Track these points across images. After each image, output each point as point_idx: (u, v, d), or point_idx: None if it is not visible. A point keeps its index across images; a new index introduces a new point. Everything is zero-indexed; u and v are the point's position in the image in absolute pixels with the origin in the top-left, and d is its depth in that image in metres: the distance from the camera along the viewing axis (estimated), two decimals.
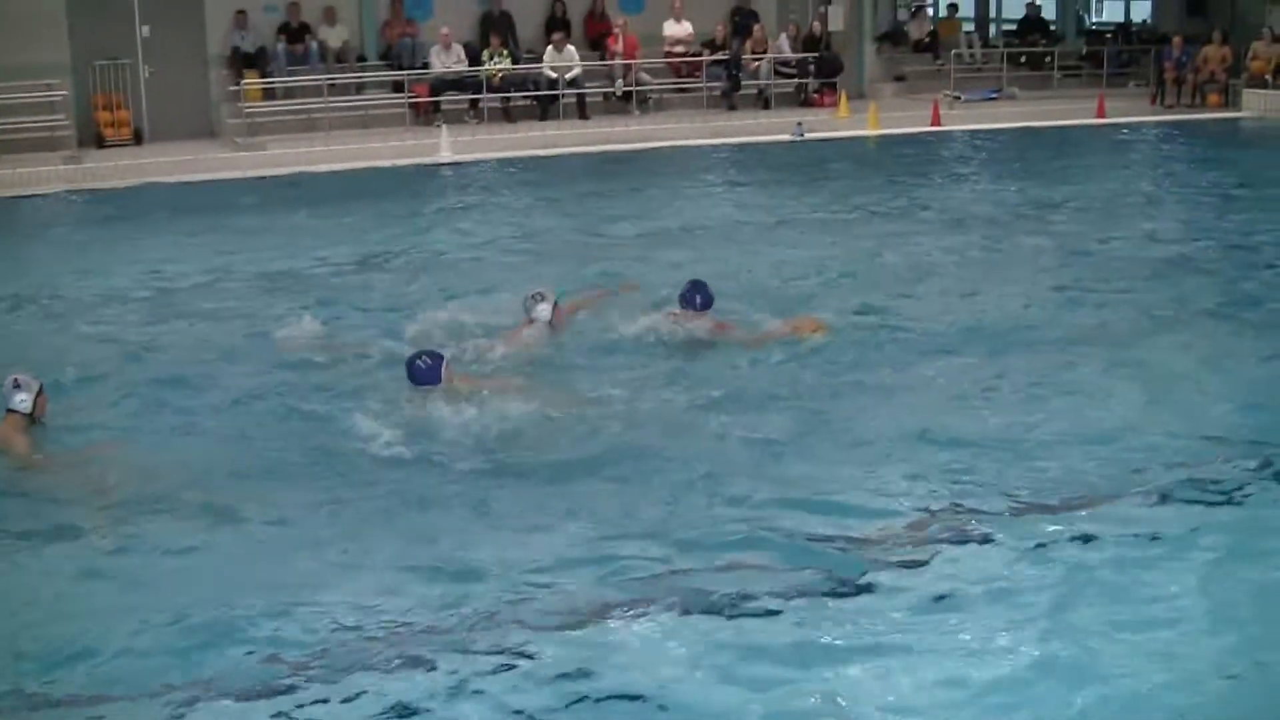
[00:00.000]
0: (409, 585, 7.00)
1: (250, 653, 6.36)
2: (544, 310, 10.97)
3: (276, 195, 20.01)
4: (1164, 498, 7.81)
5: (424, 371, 9.47)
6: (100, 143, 23.44)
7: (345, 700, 5.95)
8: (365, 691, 6.00)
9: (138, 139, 23.84)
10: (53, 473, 8.69)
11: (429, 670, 6.16)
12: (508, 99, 25.71)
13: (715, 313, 11.26)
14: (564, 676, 6.07)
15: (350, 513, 7.97)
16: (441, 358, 9.58)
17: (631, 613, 6.59)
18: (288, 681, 6.11)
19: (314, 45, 25.16)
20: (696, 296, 11.13)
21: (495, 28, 26.07)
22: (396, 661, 6.23)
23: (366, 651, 6.33)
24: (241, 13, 24.74)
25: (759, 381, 10.26)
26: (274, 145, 23.28)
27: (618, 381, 10.05)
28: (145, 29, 24.32)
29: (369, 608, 6.72)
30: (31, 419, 9.05)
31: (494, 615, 6.65)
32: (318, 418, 9.61)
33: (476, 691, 5.98)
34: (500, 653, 6.26)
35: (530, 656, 6.22)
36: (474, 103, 25.54)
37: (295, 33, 25.10)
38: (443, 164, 22.30)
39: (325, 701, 5.95)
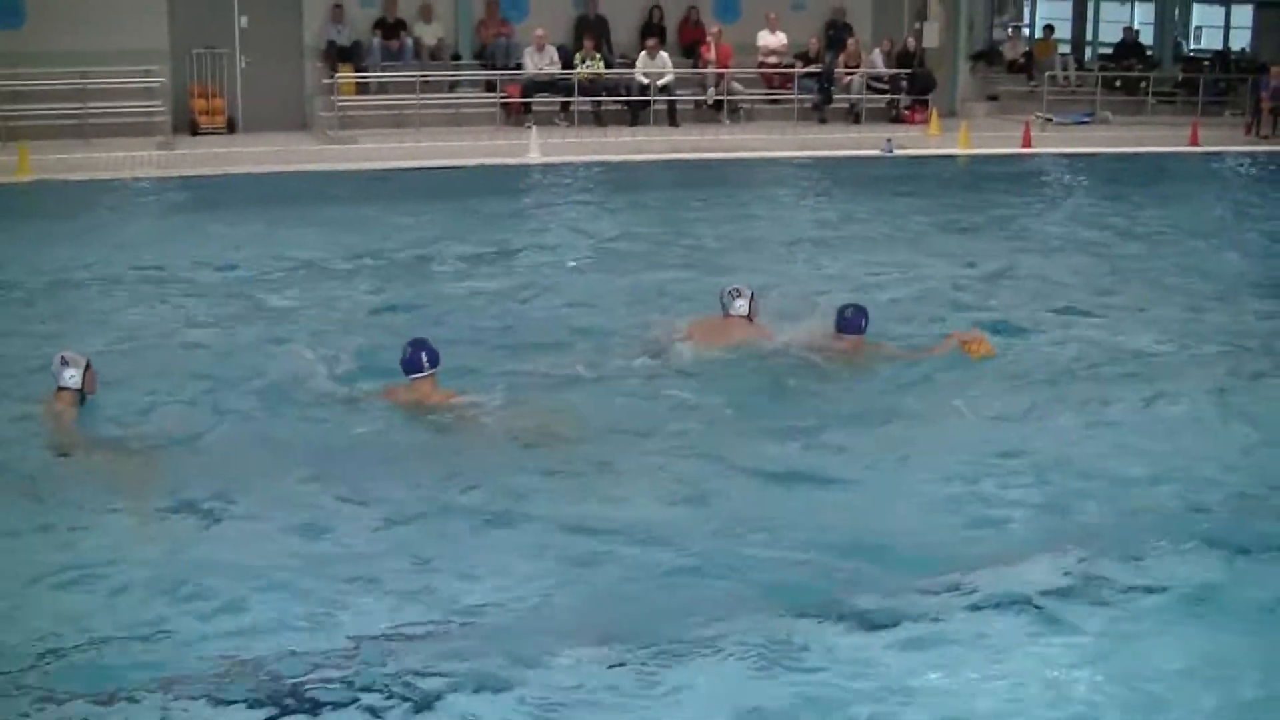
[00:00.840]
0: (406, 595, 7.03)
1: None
2: (741, 305, 10.97)
3: (366, 189, 20.13)
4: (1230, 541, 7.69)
5: (433, 354, 9.44)
6: (194, 130, 23.70)
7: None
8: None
9: (231, 128, 24.09)
10: (89, 457, 8.82)
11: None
12: (599, 103, 25.78)
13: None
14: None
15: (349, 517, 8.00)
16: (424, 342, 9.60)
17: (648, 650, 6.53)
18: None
19: (409, 41, 25.32)
20: (861, 320, 10.88)
21: (589, 31, 26.15)
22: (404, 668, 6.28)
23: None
24: (338, 6, 24.93)
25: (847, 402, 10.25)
26: (365, 139, 23.46)
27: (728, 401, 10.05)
28: (244, 19, 24.58)
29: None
30: (81, 395, 9.19)
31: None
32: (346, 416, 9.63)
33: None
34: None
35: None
36: (565, 105, 25.61)
37: (391, 28, 25.28)
38: (532, 165, 22.35)
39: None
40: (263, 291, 13.66)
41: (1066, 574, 7.22)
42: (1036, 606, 6.83)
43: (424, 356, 9.41)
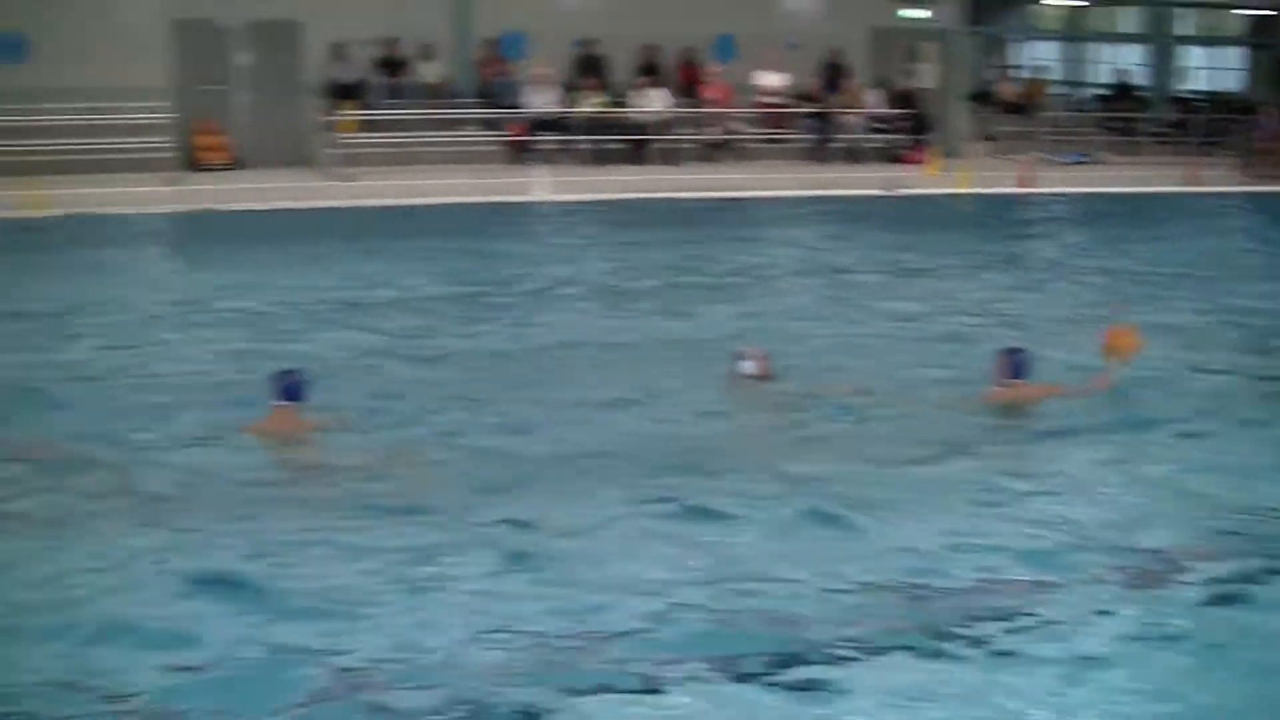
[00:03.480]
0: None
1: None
2: (748, 366, 11.08)
3: (367, 226, 20.12)
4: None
5: (296, 387, 9.44)
6: (195, 166, 23.68)
7: None
8: None
9: (233, 165, 24.07)
10: None
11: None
12: (599, 141, 25.84)
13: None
14: None
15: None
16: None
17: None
18: None
19: (412, 79, 25.38)
20: (1026, 362, 10.75)
21: (589, 69, 26.24)
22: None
23: None
24: (340, 44, 24.96)
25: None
26: (368, 177, 23.44)
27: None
28: (246, 56, 24.61)
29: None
30: None
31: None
32: None
33: None
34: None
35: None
36: (566, 143, 25.65)
37: (394, 67, 25.33)
38: (534, 203, 22.39)
39: None
40: (284, 324, 13.64)
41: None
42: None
43: (287, 386, 9.44)
